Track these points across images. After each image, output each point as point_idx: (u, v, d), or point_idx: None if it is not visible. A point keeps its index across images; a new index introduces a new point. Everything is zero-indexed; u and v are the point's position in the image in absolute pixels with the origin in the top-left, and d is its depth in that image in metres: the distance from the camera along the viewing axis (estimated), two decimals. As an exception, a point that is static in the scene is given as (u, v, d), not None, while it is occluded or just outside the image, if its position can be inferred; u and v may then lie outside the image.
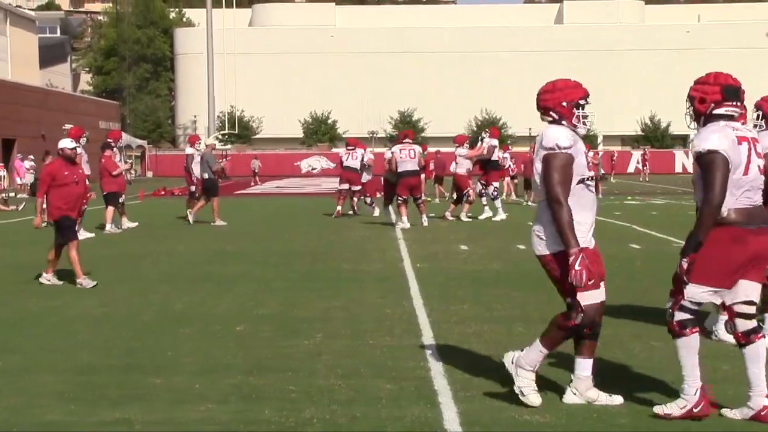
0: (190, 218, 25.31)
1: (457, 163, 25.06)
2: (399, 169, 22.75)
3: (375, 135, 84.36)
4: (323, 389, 7.32)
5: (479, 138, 26.24)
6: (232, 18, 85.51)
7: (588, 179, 6.64)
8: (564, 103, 6.68)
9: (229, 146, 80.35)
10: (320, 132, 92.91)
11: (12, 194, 42.74)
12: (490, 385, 7.33)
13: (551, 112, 6.73)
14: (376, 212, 26.76)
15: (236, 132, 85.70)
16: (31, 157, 47.03)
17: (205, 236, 21.30)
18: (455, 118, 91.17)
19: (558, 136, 6.56)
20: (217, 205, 24.86)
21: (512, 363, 6.80)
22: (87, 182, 14.99)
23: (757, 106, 8.54)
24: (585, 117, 6.72)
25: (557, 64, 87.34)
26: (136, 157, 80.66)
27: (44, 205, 13.72)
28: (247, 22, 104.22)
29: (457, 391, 7.20)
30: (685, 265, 6.18)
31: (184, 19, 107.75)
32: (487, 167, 25.29)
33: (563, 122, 6.68)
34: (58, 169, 13.44)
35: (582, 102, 6.71)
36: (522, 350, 6.82)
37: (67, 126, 22.16)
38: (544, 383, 7.13)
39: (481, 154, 25.17)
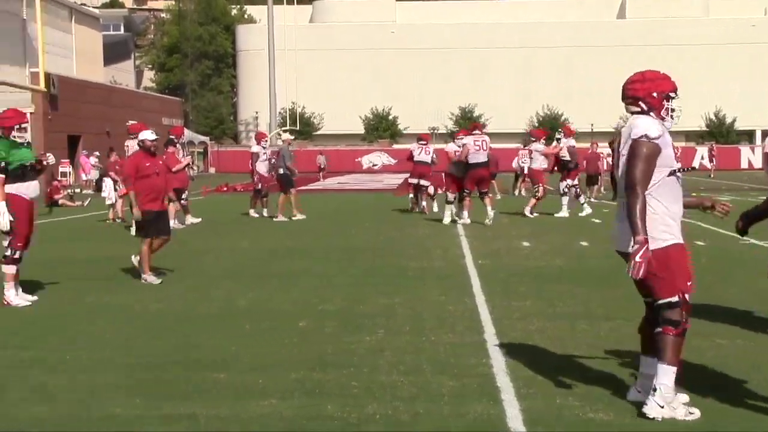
0: (253, 214, 25.67)
1: (531, 158, 25.30)
2: (470, 161, 22.43)
3: (435, 131, 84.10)
4: (385, 385, 7.32)
5: (555, 138, 26.03)
6: (293, 15, 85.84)
7: (678, 171, 6.55)
8: (654, 94, 6.57)
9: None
10: (381, 128, 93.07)
11: (77, 190, 43.31)
12: (553, 382, 7.29)
13: (640, 102, 6.60)
14: (436, 208, 26.84)
15: (297, 128, 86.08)
16: (97, 153, 47.59)
17: (267, 232, 21.42)
18: (516, 114, 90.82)
19: (648, 126, 6.46)
20: (295, 198, 25.15)
21: (660, 408, 6.39)
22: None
23: None
24: (673, 110, 6.64)
25: (619, 59, 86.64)
26: (199, 154, 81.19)
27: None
28: (307, 19, 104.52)
29: (520, 388, 7.17)
30: None
31: (246, 16, 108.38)
32: (567, 166, 25.30)
33: (651, 113, 6.58)
34: (140, 161, 13.51)
35: (672, 95, 6.63)
36: (653, 395, 6.42)
37: (131, 122, 22.46)
38: (605, 379, 7.08)
39: (558, 154, 25.23)
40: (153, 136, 13.78)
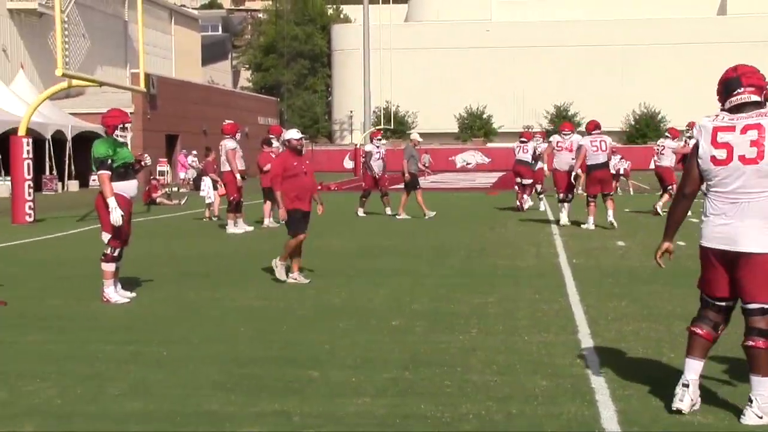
0: (361, 213, 25.88)
1: (663, 155, 25.02)
2: (589, 162, 21.45)
3: (530, 129, 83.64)
4: (478, 385, 7.29)
5: (685, 137, 25.70)
6: (388, 13, 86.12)
7: None
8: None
9: (384, 141, 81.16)
10: (475, 126, 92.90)
11: (175, 189, 43.98)
12: (648, 384, 7.19)
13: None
14: (529, 203, 26.82)
15: (392, 127, 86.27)
16: (194, 152, 48.26)
17: (359, 231, 21.51)
18: (612, 112, 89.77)
19: None
20: (421, 197, 25.35)
21: (759, 418, 6.22)
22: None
23: None
24: None
25: (720, 56, 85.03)
26: None
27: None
28: (403, 18, 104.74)
29: (615, 389, 7.08)
30: None
31: (342, 16, 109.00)
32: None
33: None
34: (287, 161, 13.33)
35: None
36: (751, 405, 6.24)
37: (227, 121, 22.66)
38: (704, 382, 6.95)
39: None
40: (298, 135, 13.59)
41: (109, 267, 11.65)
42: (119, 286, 11.86)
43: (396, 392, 7.12)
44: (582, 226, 21.58)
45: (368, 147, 27.05)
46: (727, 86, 6.41)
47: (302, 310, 10.86)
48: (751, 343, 6.22)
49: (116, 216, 11.36)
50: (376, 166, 26.29)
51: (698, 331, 6.53)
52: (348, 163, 74.91)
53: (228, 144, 21.61)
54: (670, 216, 6.69)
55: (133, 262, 14.40)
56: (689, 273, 13.15)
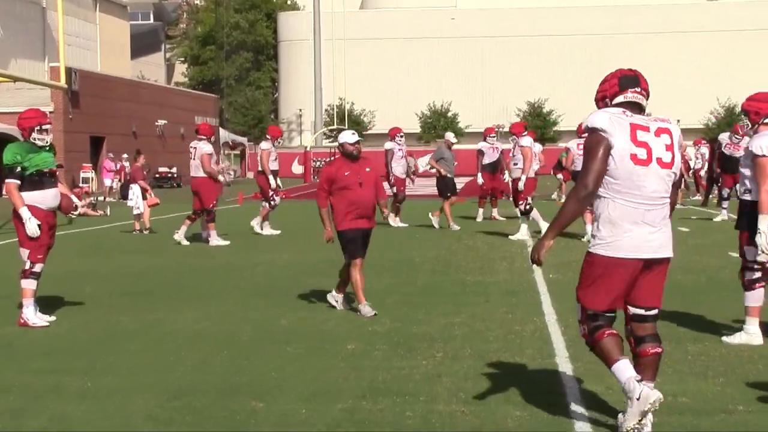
0: (392, 222, 24.41)
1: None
2: (577, 168, 20.90)
3: (501, 129, 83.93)
4: (444, 416, 7.31)
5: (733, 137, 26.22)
6: (341, 0, 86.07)
7: None
8: None
9: (336, 143, 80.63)
10: (439, 126, 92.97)
11: (101, 198, 43.73)
12: (634, 413, 7.23)
13: None
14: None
15: (345, 127, 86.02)
16: (125, 156, 48.02)
17: (315, 244, 21.46)
18: (593, 109, 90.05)
19: None
20: (449, 207, 25.16)
21: None
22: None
23: None
24: None
25: (708, 44, 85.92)
26: (235, 156, 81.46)
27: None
28: (357, 5, 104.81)
29: (597, 420, 7.12)
30: None
31: (289, 2, 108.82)
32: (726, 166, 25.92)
33: None
34: (337, 170, 12.22)
35: None
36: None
37: (199, 121, 22.58)
38: (691, 406, 7.01)
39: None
40: (354, 138, 12.42)
41: (29, 285, 11.56)
42: (37, 308, 11.77)
43: (351, 425, 7.12)
44: (583, 239, 20.72)
45: (388, 145, 26.55)
46: (626, 82, 6.81)
47: (247, 333, 10.83)
48: (658, 350, 6.75)
49: (32, 227, 11.29)
50: (400, 165, 26.05)
51: (611, 331, 6.79)
52: (297, 168, 74.68)
53: (202, 147, 21.55)
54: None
55: (53, 281, 14.30)
56: (679, 289, 13.26)
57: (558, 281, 14.69)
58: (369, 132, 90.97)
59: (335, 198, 12.19)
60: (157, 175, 57.79)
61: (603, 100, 6.86)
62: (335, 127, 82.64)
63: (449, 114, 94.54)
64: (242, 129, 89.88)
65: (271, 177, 23.61)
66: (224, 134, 73.49)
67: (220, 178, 22.50)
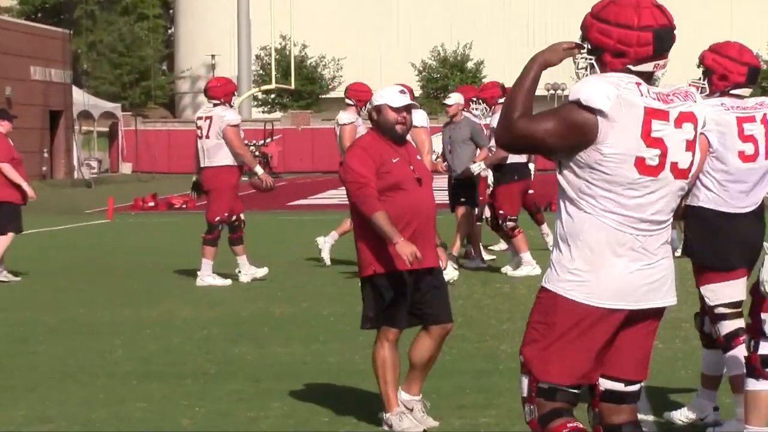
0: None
1: None
2: None
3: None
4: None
5: None
6: None
7: None
8: None
9: (277, 115, 58.90)
10: (453, 83, 61.05)
11: None
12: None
13: None
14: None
15: (292, 86, 56.36)
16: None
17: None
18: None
19: None
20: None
21: None
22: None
23: None
24: None
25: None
26: (100, 137, 55.55)
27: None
28: None
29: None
30: None
31: None
32: None
33: None
34: (379, 156, 6.97)
35: None
36: None
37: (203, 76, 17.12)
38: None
39: None
40: (403, 99, 7.05)
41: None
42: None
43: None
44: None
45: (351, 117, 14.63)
46: (661, 42, 4.36)
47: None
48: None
49: None
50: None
51: (574, 425, 4.45)
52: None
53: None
54: None
55: None
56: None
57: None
58: (330, 96, 64.54)
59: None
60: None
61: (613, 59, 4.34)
62: (273, 86, 55.21)
63: (470, 62, 67.70)
64: (112, 90, 61.25)
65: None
66: (81, 98, 50.38)
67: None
